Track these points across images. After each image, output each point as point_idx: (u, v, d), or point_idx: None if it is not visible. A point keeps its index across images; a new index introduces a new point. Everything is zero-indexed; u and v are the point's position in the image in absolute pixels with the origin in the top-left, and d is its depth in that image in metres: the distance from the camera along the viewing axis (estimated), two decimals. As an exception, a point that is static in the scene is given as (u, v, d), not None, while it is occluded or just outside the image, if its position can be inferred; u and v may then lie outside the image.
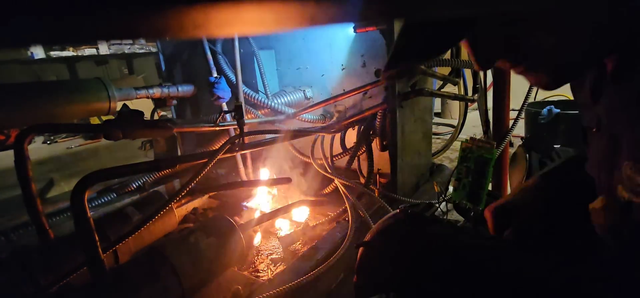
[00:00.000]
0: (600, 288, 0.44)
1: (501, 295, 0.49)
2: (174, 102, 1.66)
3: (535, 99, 2.56)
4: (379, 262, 0.59)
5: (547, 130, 2.08)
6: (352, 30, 1.43)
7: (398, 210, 0.64)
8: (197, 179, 0.96)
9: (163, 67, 1.83)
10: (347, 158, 1.49)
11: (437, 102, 3.50)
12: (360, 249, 0.62)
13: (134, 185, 1.55)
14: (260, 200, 1.53)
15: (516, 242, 0.63)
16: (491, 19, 0.45)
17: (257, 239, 1.22)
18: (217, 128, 1.43)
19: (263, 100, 1.54)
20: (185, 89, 1.67)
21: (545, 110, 2.12)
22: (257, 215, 1.39)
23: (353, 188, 1.34)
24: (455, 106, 2.91)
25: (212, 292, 0.96)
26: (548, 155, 0.93)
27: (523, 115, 1.25)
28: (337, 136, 1.53)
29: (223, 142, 1.10)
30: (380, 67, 1.46)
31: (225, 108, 1.48)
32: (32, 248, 0.90)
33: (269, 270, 1.10)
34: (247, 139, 1.18)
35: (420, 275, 0.54)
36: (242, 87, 1.49)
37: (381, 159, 1.44)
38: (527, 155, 0.98)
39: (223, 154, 1.06)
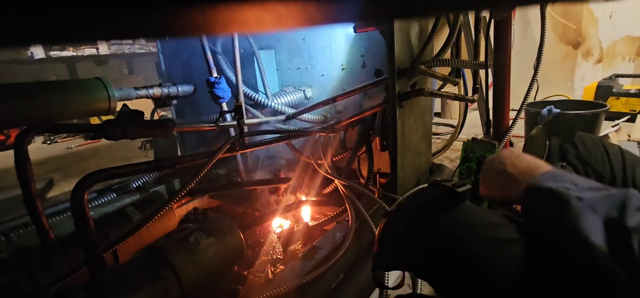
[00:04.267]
0: None
1: (536, 283, 0.45)
2: (174, 102, 1.66)
3: (535, 99, 2.56)
4: (402, 234, 0.57)
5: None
6: (352, 30, 1.43)
7: (426, 185, 0.61)
8: (197, 179, 0.97)
9: (163, 67, 1.83)
10: (347, 158, 1.49)
11: (437, 102, 3.49)
12: (384, 219, 0.60)
13: (134, 185, 1.55)
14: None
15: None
16: None
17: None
18: (217, 128, 1.43)
19: (263, 100, 1.54)
20: (185, 89, 1.66)
21: (545, 110, 2.11)
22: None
23: (353, 188, 1.34)
24: (455, 106, 2.91)
25: (212, 292, 0.96)
26: (570, 142, 0.83)
27: (522, 114, 1.25)
28: (337, 136, 1.53)
29: (223, 142, 1.10)
30: (381, 67, 1.46)
31: (225, 108, 1.48)
32: (32, 248, 0.90)
33: (269, 270, 1.10)
34: (247, 139, 1.18)
35: (448, 252, 0.51)
36: (242, 87, 1.49)
37: (381, 159, 1.43)
38: (547, 141, 0.89)
39: (223, 154, 1.06)
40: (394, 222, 0.59)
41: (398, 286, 0.66)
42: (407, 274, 0.86)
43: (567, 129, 0.87)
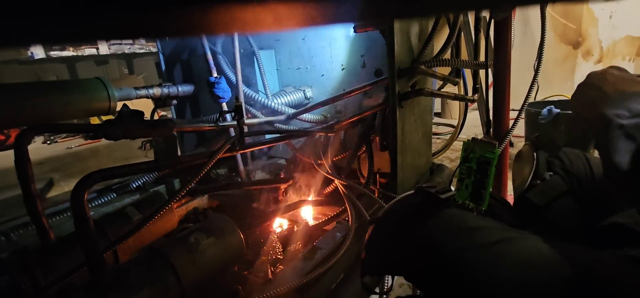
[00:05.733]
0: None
1: (521, 283, 0.46)
2: (174, 102, 1.66)
3: (535, 99, 2.56)
4: (389, 240, 0.58)
5: (548, 130, 2.08)
6: (352, 30, 1.43)
7: (414, 191, 0.63)
8: (197, 179, 0.97)
9: (163, 67, 1.83)
10: (347, 158, 1.49)
11: (437, 102, 3.50)
12: (371, 226, 0.61)
13: (134, 185, 1.55)
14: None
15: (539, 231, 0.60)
16: None
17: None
18: (217, 128, 1.43)
19: (263, 100, 1.54)
20: (185, 89, 1.67)
21: (545, 110, 2.11)
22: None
23: (353, 188, 1.34)
24: (455, 106, 2.91)
25: (212, 292, 0.96)
26: (555, 155, 0.92)
27: (523, 115, 1.25)
28: (337, 136, 1.53)
29: (223, 142, 1.10)
30: (381, 67, 1.46)
31: (225, 108, 1.48)
32: (32, 248, 0.90)
33: (269, 270, 1.10)
34: (247, 139, 1.18)
35: (432, 256, 0.52)
36: (242, 87, 1.49)
37: (381, 159, 1.43)
38: (535, 154, 0.97)
39: (223, 154, 1.06)
40: (381, 228, 0.61)
41: (386, 292, 0.68)
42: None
43: (552, 144, 0.97)
